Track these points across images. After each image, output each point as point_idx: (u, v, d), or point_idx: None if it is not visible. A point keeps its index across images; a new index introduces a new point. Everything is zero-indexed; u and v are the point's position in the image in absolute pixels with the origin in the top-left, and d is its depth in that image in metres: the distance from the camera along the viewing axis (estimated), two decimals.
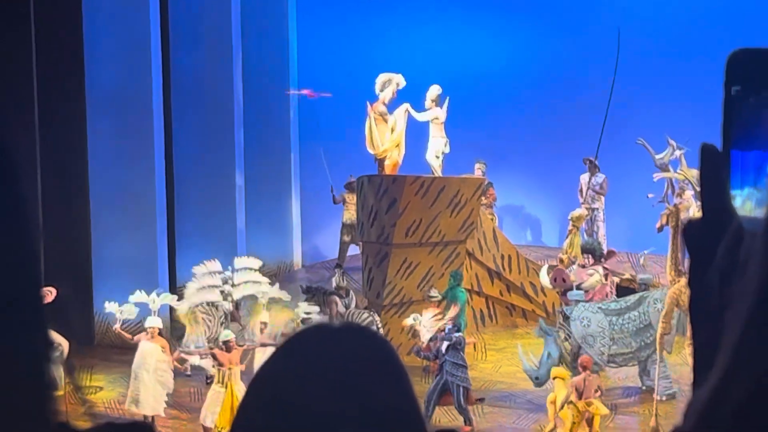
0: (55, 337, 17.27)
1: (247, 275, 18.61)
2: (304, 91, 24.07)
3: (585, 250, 19.79)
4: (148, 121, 21.53)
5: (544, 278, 19.21)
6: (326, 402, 1.65)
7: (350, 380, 1.67)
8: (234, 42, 23.83)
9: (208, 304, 18.57)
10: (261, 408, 1.69)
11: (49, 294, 17.27)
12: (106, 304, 17.96)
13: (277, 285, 18.99)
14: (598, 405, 15.32)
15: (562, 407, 15.37)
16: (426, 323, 18.00)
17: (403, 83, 20.91)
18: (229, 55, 23.75)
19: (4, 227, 1.36)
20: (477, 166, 22.87)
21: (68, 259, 20.12)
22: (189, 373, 18.42)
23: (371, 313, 19.27)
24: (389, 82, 20.90)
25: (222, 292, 18.41)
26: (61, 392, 17.24)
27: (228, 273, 18.58)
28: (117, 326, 17.53)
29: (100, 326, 20.86)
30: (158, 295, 17.93)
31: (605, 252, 20.05)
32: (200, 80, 23.54)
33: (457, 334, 17.23)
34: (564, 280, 18.68)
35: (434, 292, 18.67)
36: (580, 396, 15.23)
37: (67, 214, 20.93)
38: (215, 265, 18.67)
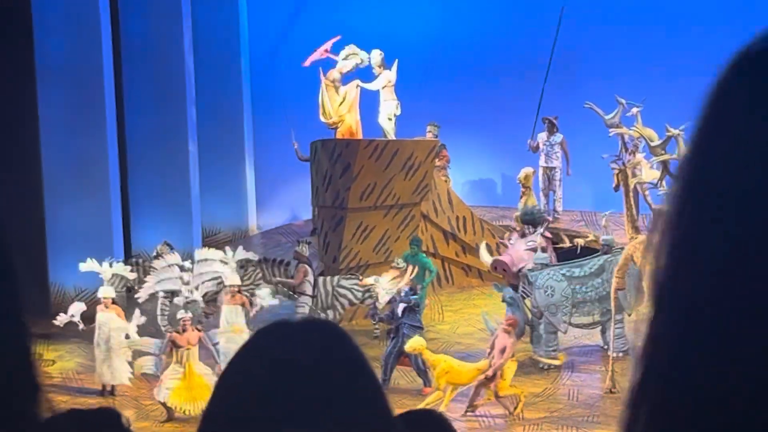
0: None
1: (207, 266, 18.42)
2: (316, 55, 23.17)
3: (524, 220, 19.70)
4: (99, 89, 21.37)
5: (485, 257, 19.30)
6: (291, 400, 1.66)
7: (313, 376, 1.68)
8: (184, 8, 23.65)
9: (165, 295, 18.42)
10: (227, 413, 1.71)
11: None
12: (82, 264, 17.82)
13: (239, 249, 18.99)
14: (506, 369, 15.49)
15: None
16: (385, 285, 18.02)
17: (366, 62, 20.86)
18: (179, 21, 23.57)
19: None
20: (429, 129, 22.78)
21: (22, 230, 19.99)
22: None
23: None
24: (354, 56, 20.87)
25: (182, 280, 18.30)
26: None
27: (187, 264, 18.40)
28: (65, 318, 17.35)
29: (56, 297, 20.78)
30: (110, 264, 17.83)
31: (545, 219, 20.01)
32: (151, 47, 23.37)
33: (414, 297, 17.29)
34: (504, 270, 18.74)
35: (399, 262, 18.60)
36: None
37: (19, 185, 20.78)
38: (175, 257, 18.53)
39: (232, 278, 17.61)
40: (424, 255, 19.60)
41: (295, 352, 1.71)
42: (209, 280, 18.11)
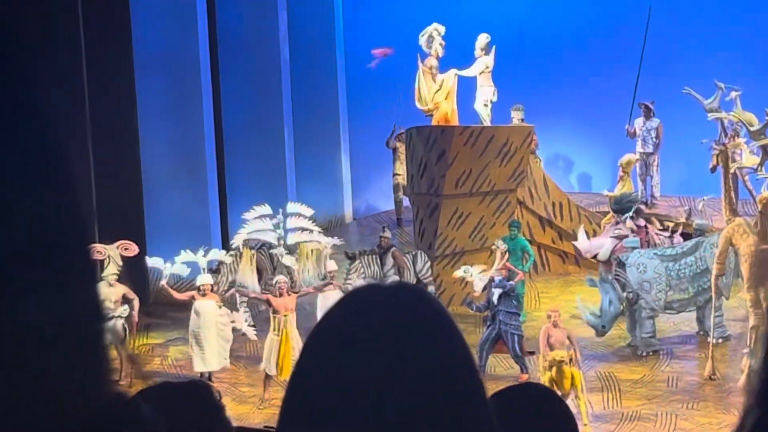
0: (127, 292, 17.42)
1: (299, 221, 18.65)
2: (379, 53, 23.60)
3: (614, 209, 19.58)
4: (196, 79, 21.55)
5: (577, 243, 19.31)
6: (379, 358, 1.64)
7: (403, 340, 1.66)
8: None
9: (260, 249, 18.61)
10: (315, 371, 1.69)
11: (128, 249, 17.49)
12: (148, 259, 18.02)
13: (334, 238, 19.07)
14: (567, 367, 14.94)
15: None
16: (477, 273, 17.93)
17: (441, 28, 20.81)
18: (274, 10, 23.69)
19: (53, 187, 1.35)
20: (513, 113, 22.48)
21: (121, 217, 20.21)
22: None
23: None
24: (430, 37, 20.81)
25: (276, 235, 18.46)
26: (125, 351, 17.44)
27: (279, 217, 18.61)
28: (164, 281, 17.62)
29: (155, 284, 21.00)
30: (205, 252, 17.95)
31: (638, 209, 19.77)
32: (247, 36, 23.53)
33: (509, 283, 17.20)
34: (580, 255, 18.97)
35: (499, 243, 18.45)
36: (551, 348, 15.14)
37: (118, 172, 21.01)
38: (265, 208, 18.70)
39: (330, 265, 17.71)
40: (523, 238, 19.52)
41: (384, 311, 1.69)
42: (305, 239, 18.32)
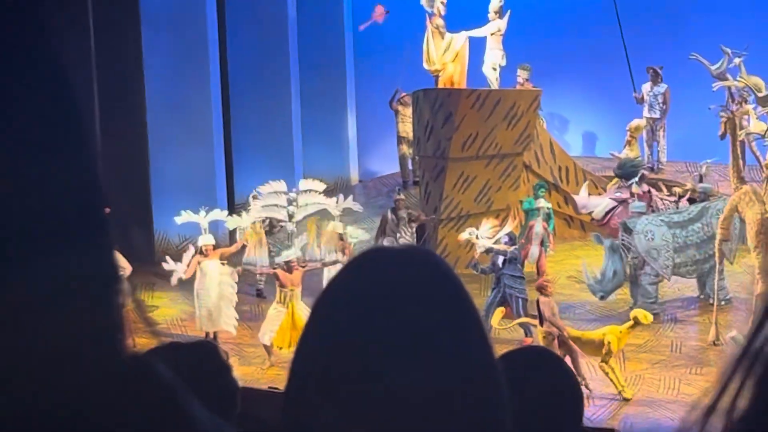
0: (119, 260, 17.45)
1: (312, 197, 18.53)
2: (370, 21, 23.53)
3: (617, 174, 19.73)
4: (203, 38, 21.51)
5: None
6: (388, 321, 1.64)
7: (411, 302, 1.66)
8: None
9: (270, 224, 18.58)
10: (323, 334, 1.69)
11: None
12: (178, 218, 17.76)
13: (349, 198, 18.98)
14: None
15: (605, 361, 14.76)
16: (483, 234, 17.89)
17: None
18: None
19: (63, 148, 1.35)
20: (520, 72, 22.32)
21: (126, 177, 20.24)
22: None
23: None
24: None
25: (287, 212, 18.40)
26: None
27: (293, 194, 18.53)
28: (174, 280, 17.43)
29: (160, 244, 21.04)
30: (206, 212, 17.87)
31: (642, 175, 19.81)
32: None
33: (514, 248, 17.21)
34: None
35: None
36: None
37: (124, 132, 21.00)
38: (281, 185, 18.62)
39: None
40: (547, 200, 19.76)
41: (393, 274, 1.69)
42: (313, 212, 18.24)
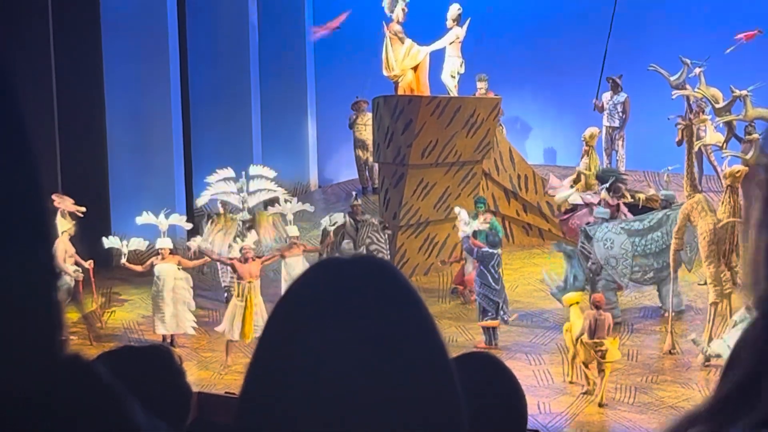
0: (79, 260, 17.43)
1: (262, 183, 18.67)
2: (324, 30, 23.55)
3: (598, 176, 19.85)
4: (163, 43, 21.46)
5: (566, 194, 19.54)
6: (340, 331, 1.65)
7: (365, 312, 1.68)
8: None
9: (225, 214, 18.60)
10: (278, 342, 1.71)
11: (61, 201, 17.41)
12: (105, 240, 17.89)
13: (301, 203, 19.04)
14: (611, 348, 14.77)
15: (577, 340, 14.87)
16: (464, 218, 17.68)
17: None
18: None
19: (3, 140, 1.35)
20: (479, 84, 22.50)
21: (85, 181, 20.17)
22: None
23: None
24: (394, 0, 20.69)
25: (240, 198, 18.50)
26: (75, 316, 17.42)
27: (242, 180, 18.62)
28: (123, 260, 17.54)
29: (118, 249, 20.93)
30: (166, 216, 17.89)
31: (616, 187, 19.89)
32: (215, 0, 23.45)
33: (489, 250, 17.07)
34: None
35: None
36: (592, 335, 14.77)
37: (83, 137, 20.93)
38: (229, 172, 18.72)
39: (292, 230, 17.72)
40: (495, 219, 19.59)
41: (344, 283, 1.71)
42: (265, 199, 18.39)
